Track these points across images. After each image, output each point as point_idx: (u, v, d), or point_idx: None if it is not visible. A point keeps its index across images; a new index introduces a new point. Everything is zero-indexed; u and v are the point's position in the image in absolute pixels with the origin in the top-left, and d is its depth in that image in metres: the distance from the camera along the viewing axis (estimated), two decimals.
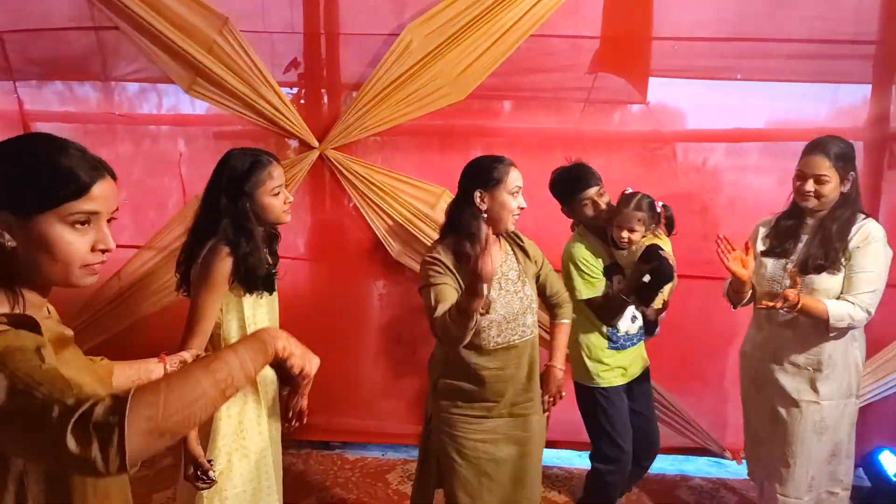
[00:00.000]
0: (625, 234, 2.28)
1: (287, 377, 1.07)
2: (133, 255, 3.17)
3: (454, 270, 1.88)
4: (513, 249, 2.05)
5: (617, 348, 2.41)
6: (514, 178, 1.92)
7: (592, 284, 2.34)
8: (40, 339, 0.91)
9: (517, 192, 1.92)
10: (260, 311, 1.93)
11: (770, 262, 2.25)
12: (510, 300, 1.93)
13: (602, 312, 2.36)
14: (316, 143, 2.99)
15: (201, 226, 1.87)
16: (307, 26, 3.04)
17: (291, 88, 3.10)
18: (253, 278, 1.84)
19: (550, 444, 3.27)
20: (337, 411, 3.29)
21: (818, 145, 2.13)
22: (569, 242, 2.45)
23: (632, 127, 3.11)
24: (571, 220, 2.54)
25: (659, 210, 2.32)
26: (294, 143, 3.12)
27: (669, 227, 2.39)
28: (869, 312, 2.06)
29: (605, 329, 2.39)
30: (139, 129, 3.28)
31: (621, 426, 2.41)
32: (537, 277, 2.11)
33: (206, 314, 1.78)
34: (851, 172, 2.12)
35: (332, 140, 2.97)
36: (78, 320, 3.17)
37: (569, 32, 2.92)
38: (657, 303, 2.40)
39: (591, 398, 2.44)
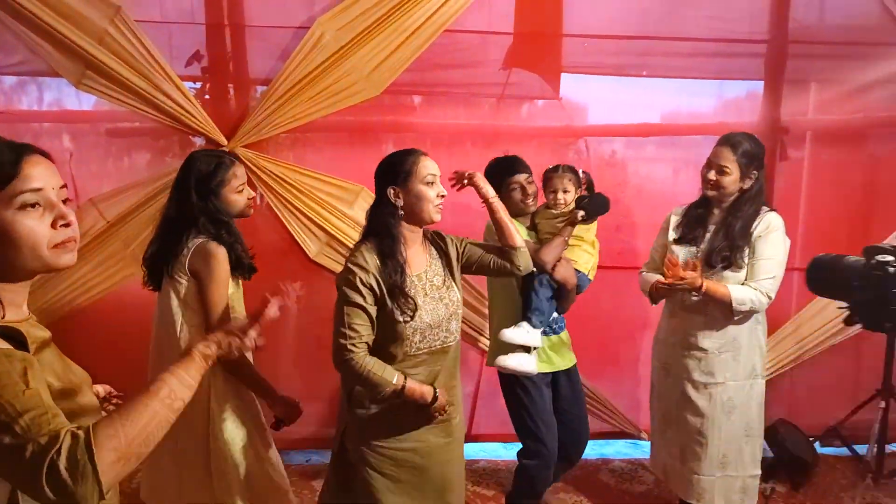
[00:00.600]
0: (560, 195, 2.40)
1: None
2: None
3: (377, 273, 1.80)
4: (438, 253, 1.96)
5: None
6: (427, 166, 1.84)
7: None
8: (28, 359, 0.95)
9: (433, 181, 1.84)
10: (237, 295, 2.07)
11: (681, 250, 2.35)
12: (435, 306, 1.85)
13: (533, 251, 2.24)
14: (224, 141, 2.84)
15: (172, 224, 2.00)
16: (209, 17, 2.87)
17: (194, 83, 2.93)
18: (241, 265, 2.03)
19: (476, 438, 3.33)
20: None
21: (727, 139, 2.26)
22: (487, 224, 2.43)
23: (544, 121, 3.17)
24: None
25: (581, 175, 2.47)
26: (199, 141, 2.95)
27: (590, 190, 2.49)
28: (770, 297, 2.20)
29: (516, 315, 2.35)
30: (20, 128, 2.99)
31: (544, 422, 2.40)
32: (468, 262, 2.00)
33: (224, 305, 1.96)
34: (755, 171, 2.25)
35: (241, 137, 2.83)
36: None
37: (481, 28, 2.93)
38: (584, 267, 2.42)
39: (512, 390, 2.43)
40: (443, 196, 1.86)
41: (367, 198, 2.93)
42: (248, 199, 2.09)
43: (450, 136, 3.10)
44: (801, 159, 3.22)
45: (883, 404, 2.71)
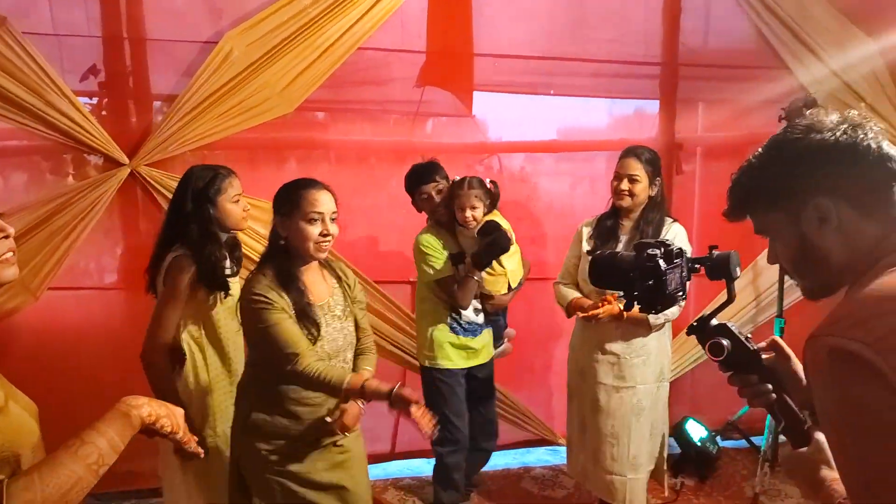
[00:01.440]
0: (468, 213, 2.47)
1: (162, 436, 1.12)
2: None
3: (282, 295, 1.75)
4: (338, 282, 1.93)
5: (456, 332, 2.58)
6: (312, 202, 1.73)
7: (436, 267, 2.49)
8: None
9: (318, 218, 1.73)
10: (222, 311, 2.10)
11: None
12: (335, 336, 1.82)
13: (451, 292, 2.48)
14: (125, 160, 2.68)
15: (166, 232, 2.11)
16: (106, 29, 2.72)
17: (91, 98, 2.76)
18: (214, 277, 2.03)
19: (400, 455, 3.30)
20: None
21: (631, 150, 2.41)
22: (417, 235, 2.57)
23: (456, 138, 3.24)
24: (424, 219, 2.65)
25: (489, 186, 2.54)
26: (96, 160, 2.77)
27: (493, 204, 2.57)
28: (680, 306, 2.35)
29: (448, 320, 2.56)
30: None
31: (457, 408, 2.58)
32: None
33: (166, 321, 2.02)
34: (658, 178, 2.42)
35: (144, 156, 2.69)
36: None
37: (395, 46, 2.95)
38: (501, 289, 2.57)
39: (430, 380, 2.60)
40: (326, 235, 1.75)
41: None
42: (244, 210, 2.15)
43: (361, 152, 3.10)
44: (693, 173, 3.47)
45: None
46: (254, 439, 1.84)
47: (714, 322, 1.14)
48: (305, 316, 1.75)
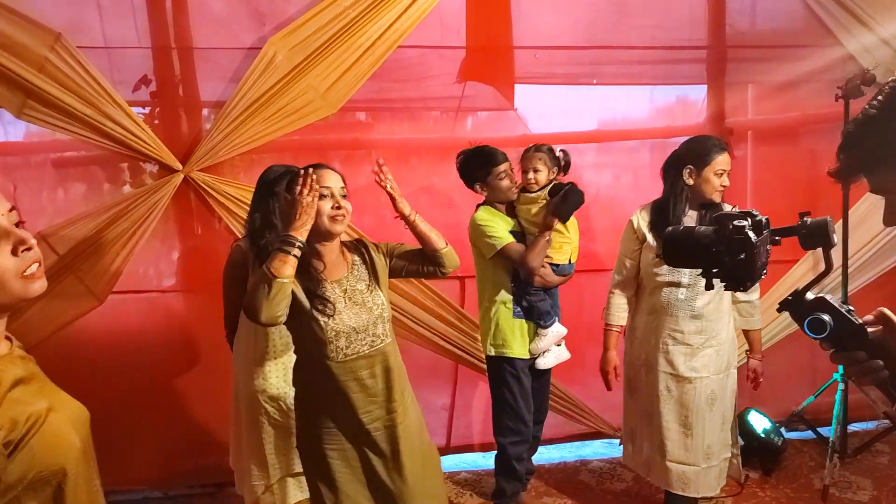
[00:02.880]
0: (531, 175, 2.51)
1: None
2: None
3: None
4: (361, 258, 1.96)
5: (519, 317, 2.56)
6: (318, 180, 1.77)
7: (498, 236, 2.48)
8: None
9: (327, 194, 1.80)
10: None
11: None
12: (358, 311, 1.84)
13: (521, 258, 2.44)
14: (179, 166, 2.76)
15: (246, 224, 2.33)
16: (155, 40, 2.80)
17: (143, 108, 2.84)
18: None
19: (455, 450, 3.30)
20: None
21: (726, 145, 2.34)
22: (475, 215, 2.56)
23: (499, 133, 3.21)
24: (476, 208, 2.63)
25: (559, 154, 2.56)
26: (151, 168, 2.86)
27: (566, 170, 2.59)
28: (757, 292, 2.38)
29: (514, 307, 2.55)
30: None
31: (524, 400, 2.57)
32: (395, 264, 2.01)
33: (230, 304, 2.34)
34: None
35: (196, 161, 2.76)
36: None
37: (434, 43, 2.96)
38: (563, 258, 2.55)
39: (498, 370, 2.58)
40: (339, 208, 1.81)
41: None
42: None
43: (405, 150, 3.11)
44: (745, 157, 3.37)
45: (843, 386, 2.84)
46: (301, 416, 1.92)
47: (810, 296, 1.05)
48: (316, 295, 1.80)
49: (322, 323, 1.78)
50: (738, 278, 1.10)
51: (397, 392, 1.92)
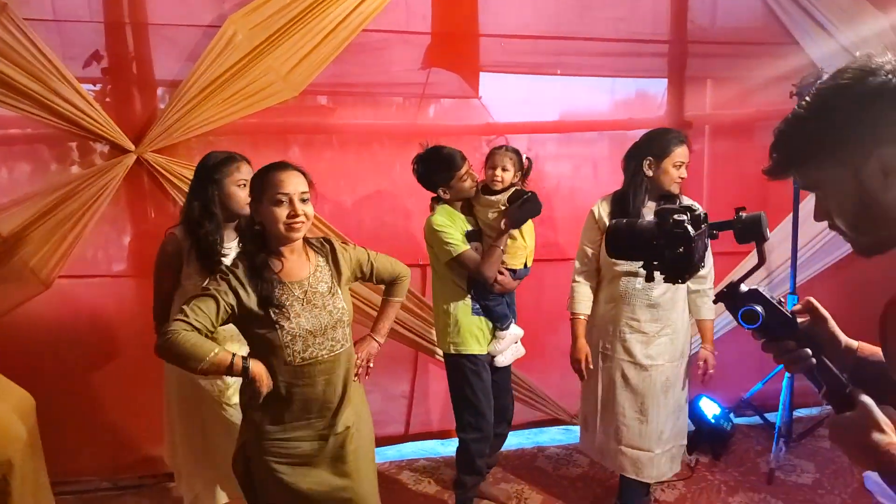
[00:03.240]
0: (498, 172, 2.49)
1: None
2: None
3: (246, 283, 1.73)
4: (325, 260, 1.90)
5: (478, 314, 2.56)
6: (275, 185, 1.72)
7: (454, 243, 2.46)
8: None
9: (284, 200, 1.72)
10: None
11: None
12: (318, 314, 1.79)
13: (475, 266, 2.45)
14: (131, 146, 2.66)
15: (182, 211, 2.24)
16: (108, 14, 2.69)
17: (94, 85, 2.73)
18: (208, 255, 2.13)
19: (414, 437, 3.31)
20: None
21: (684, 137, 2.38)
22: (433, 217, 2.52)
23: (462, 120, 3.21)
24: (430, 202, 2.60)
25: (524, 159, 2.57)
26: (101, 147, 2.76)
27: (526, 175, 2.61)
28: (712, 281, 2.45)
29: (471, 303, 2.55)
30: None
31: (484, 395, 2.57)
32: (363, 273, 2.01)
33: (160, 293, 2.26)
34: None
35: (150, 142, 2.67)
36: None
37: (399, 28, 2.92)
38: (519, 263, 2.56)
39: (458, 368, 2.57)
40: (294, 216, 1.72)
41: None
42: (249, 197, 2.12)
43: (366, 136, 3.07)
44: (702, 151, 3.44)
45: (789, 374, 2.95)
46: (252, 423, 1.82)
47: (744, 288, 1.10)
48: (270, 302, 1.73)
49: (277, 327, 1.72)
50: (677, 271, 1.12)
51: (354, 399, 1.92)
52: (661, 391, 2.45)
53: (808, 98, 0.94)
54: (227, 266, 1.79)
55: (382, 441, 3.29)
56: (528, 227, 2.59)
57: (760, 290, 1.10)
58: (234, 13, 2.65)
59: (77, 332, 2.84)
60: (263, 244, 1.78)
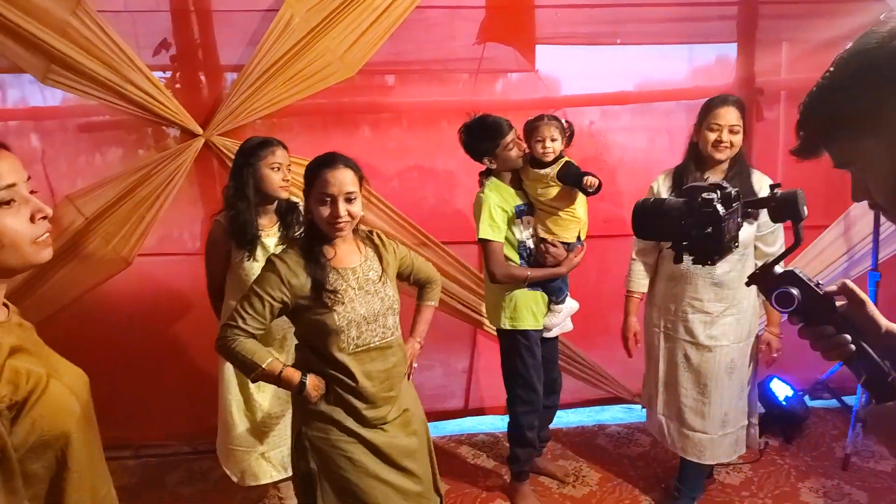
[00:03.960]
0: (548, 143, 2.42)
1: None
2: None
3: (301, 270, 1.75)
4: (374, 251, 1.92)
5: (534, 289, 2.53)
6: (321, 184, 1.72)
7: (494, 233, 2.45)
8: None
9: (328, 201, 1.72)
10: (252, 274, 2.21)
11: None
12: (370, 300, 1.80)
13: (492, 260, 2.46)
14: (199, 130, 2.79)
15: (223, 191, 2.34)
16: (174, 3, 2.80)
17: (164, 72, 2.87)
18: (241, 235, 2.23)
19: (473, 412, 3.34)
20: None
21: (727, 99, 2.26)
22: (481, 192, 2.50)
23: (520, 94, 3.16)
24: (479, 177, 2.58)
25: (565, 124, 2.50)
26: (174, 132, 2.90)
27: (569, 142, 2.53)
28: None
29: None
30: None
31: (535, 370, 2.57)
32: (404, 268, 2.03)
33: (212, 279, 2.39)
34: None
35: (217, 125, 2.78)
36: None
37: (453, 4, 2.90)
38: (571, 236, 2.52)
39: (512, 343, 2.56)
40: (336, 216, 1.72)
41: None
42: (283, 180, 2.27)
43: (425, 113, 3.08)
44: (777, 119, 3.25)
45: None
46: (308, 412, 1.84)
47: (779, 269, 1.04)
48: (322, 287, 1.74)
49: (333, 313, 1.74)
50: (706, 251, 1.07)
51: (405, 384, 1.95)
52: (725, 373, 2.36)
53: (832, 68, 0.86)
54: (276, 255, 1.79)
55: (442, 415, 3.35)
56: (582, 200, 2.53)
57: (796, 271, 1.03)
58: None
59: (156, 307, 3.04)
60: (316, 232, 1.80)
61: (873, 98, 0.82)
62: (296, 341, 1.93)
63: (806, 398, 3.14)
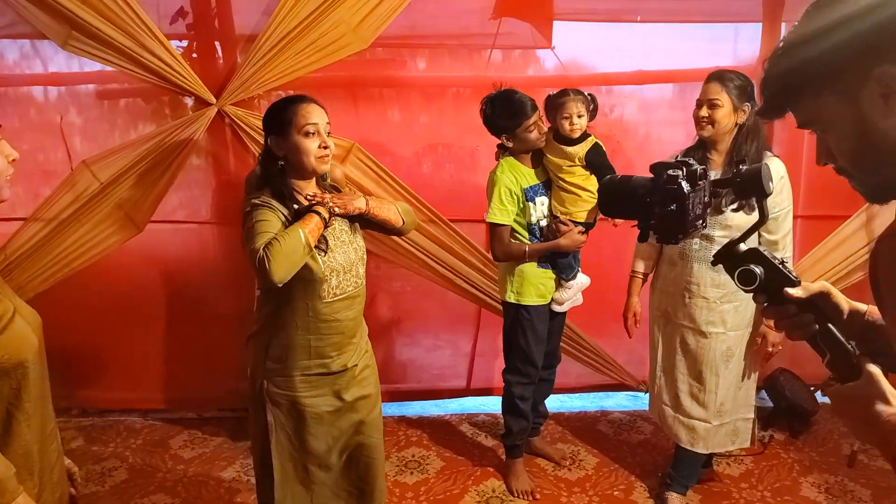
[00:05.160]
0: (575, 120, 2.38)
1: None
2: (18, 227, 2.93)
3: (280, 207, 1.74)
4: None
5: (545, 267, 2.51)
6: (305, 115, 1.71)
7: (503, 215, 2.42)
8: None
9: (313, 131, 1.72)
10: None
11: None
12: (346, 250, 1.83)
13: (496, 241, 2.45)
14: (213, 99, 2.82)
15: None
16: None
17: (181, 41, 2.90)
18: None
19: (475, 392, 3.35)
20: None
21: (712, 74, 2.21)
22: (495, 171, 2.47)
23: (537, 71, 3.11)
24: (496, 150, 2.56)
25: (588, 97, 2.45)
26: (190, 101, 2.94)
27: (593, 116, 2.49)
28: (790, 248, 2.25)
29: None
30: (18, 93, 3.02)
31: (536, 344, 2.55)
32: (362, 223, 1.97)
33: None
34: (747, 104, 2.18)
35: (230, 95, 2.81)
36: None
37: None
38: (581, 215, 2.48)
39: (516, 316, 2.55)
40: (325, 147, 1.74)
41: (358, 153, 2.91)
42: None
43: (440, 88, 3.05)
44: None
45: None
46: (271, 364, 1.85)
47: (742, 247, 1.02)
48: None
49: (318, 261, 1.73)
50: (669, 230, 1.04)
51: (364, 336, 1.98)
52: (721, 360, 2.31)
53: (797, 22, 0.83)
54: (256, 198, 1.75)
55: (445, 394, 3.37)
56: (594, 179, 2.48)
57: (761, 250, 1.02)
58: None
59: (166, 273, 3.11)
60: (287, 176, 1.78)
61: (835, 51, 0.78)
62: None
63: (817, 393, 3.05)
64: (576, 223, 2.46)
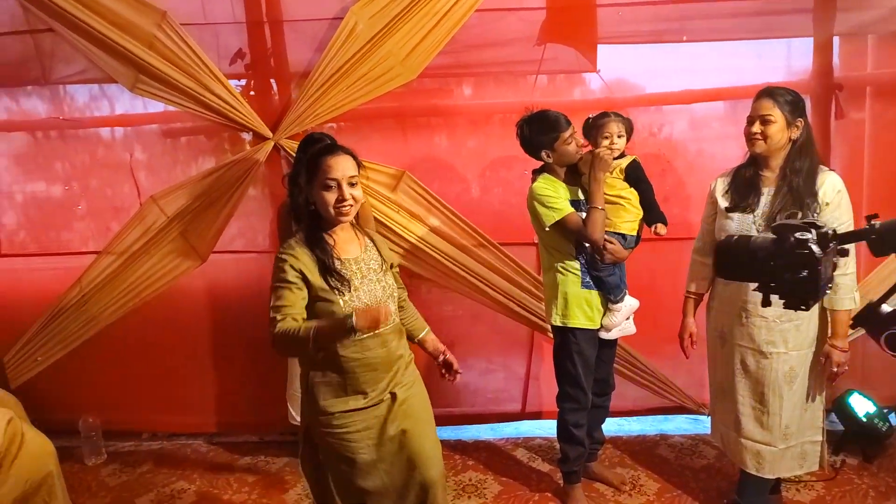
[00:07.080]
0: (616, 140, 2.45)
1: None
2: (92, 261, 3.09)
3: (307, 260, 1.80)
4: (372, 243, 1.99)
5: (589, 287, 2.48)
6: (326, 170, 1.78)
7: (557, 207, 2.40)
8: None
9: (333, 185, 1.78)
10: None
11: (736, 217, 2.25)
12: (373, 288, 1.87)
13: (579, 229, 2.38)
14: (270, 134, 2.94)
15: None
16: (249, 15, 2.98)
17: (239, 80, 3.05)
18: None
19: (531, 416, 3.32)
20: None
21: (763, 90, 2.19)
22: (532, 187, 2.49)
23: (584, 95, 3.13)
24: (532, 175, 2.57)
25: (626, 119, 2.52)
26: (248, 136, 3.08)
27: (628, 137, 2.54)
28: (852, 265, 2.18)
29: (578, 270, 2.48)
30: (89, 134, 3.22)
31: (584, 369, 2.53)
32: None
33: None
34: (800, 119, 2.15)
35: (285, 129, 2.93)
36: (41, 334, 3.10)
37: (512, 5, 2.92)
38: (624, 227, 2.48)
39: (564, 340, 2.54)
40: (342, 201, 1.78)
41: (408, 182, 2.99)
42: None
43: (486, 114, 3.11)
44: (861, 117, 3.05)
45: None
46: (316, 402, 1.88)
47: (886, 308, 0.97)
48: (332, 271, 1.80)
49: (340, 300, 1.79)
50: (800, 296, 0.98)
51: (408, 365, 1.98)
52: (785, 381, 2.23)
53: None
54: (281, 250, 1.83)
55: (500, 418, 3.35)
56: (634, 192, 2.49)
57: None
58: (354, 4, 2.81)
59: (228, 301, 3.22)
60: (318, 223, 1.86)
61: None
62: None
63: (890, 415, 2.90)
64: (616, 235, 2.46)
